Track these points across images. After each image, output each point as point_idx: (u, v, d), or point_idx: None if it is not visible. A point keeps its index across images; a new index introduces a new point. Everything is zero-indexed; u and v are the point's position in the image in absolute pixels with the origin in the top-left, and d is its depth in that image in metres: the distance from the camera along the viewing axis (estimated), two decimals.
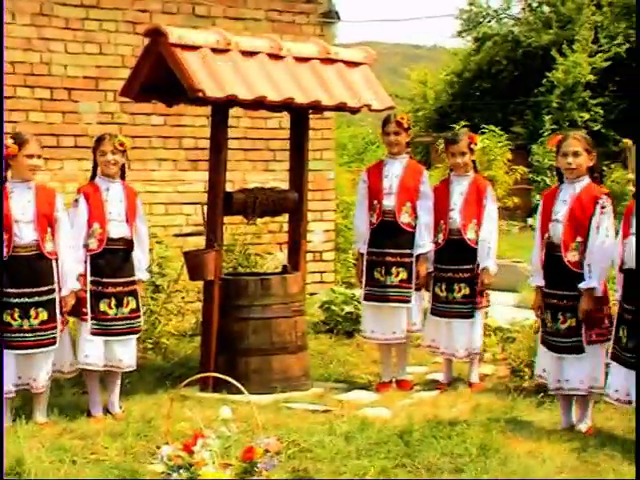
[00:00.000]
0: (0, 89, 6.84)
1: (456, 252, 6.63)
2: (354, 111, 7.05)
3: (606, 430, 5.60)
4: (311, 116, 7.10)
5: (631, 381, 5.31)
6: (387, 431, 5.35)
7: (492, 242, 6.67)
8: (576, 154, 5.64)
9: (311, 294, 8.76)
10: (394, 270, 6.66)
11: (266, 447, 3.95)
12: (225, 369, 6.07)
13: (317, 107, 6.81)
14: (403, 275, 6.67)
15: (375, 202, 6.70)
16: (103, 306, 5.90)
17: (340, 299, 8.54)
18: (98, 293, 5.90)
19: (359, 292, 8.15)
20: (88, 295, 5.87)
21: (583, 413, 5.70)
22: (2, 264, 5.50)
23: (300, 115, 6.95)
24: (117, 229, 5.95)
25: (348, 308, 8.40)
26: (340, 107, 6.92)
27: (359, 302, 8.11)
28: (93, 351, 5.88)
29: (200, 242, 6.91)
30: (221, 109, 6.57)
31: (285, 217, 7.25)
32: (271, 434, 4.65)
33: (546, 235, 5.71)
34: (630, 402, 5.38)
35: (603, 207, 5.59)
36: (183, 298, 7.90)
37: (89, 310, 5.87)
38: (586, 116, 23.73)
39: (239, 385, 4.14)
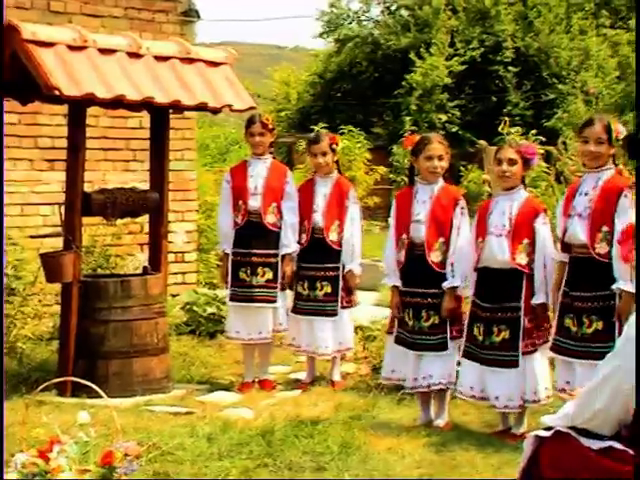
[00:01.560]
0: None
1: (319, 252, 6.69)
2: (215, 111, 7.02)
3: (462, 424, 5.76)
4: (172, 116, 7.04)
5: (488, 378, 5.46)
6: (249, 431, 5.35)
7: (356, 244, 6.77)
8: (441, 158, 5.78)
9: (173, 295, 8.68)
10: (260, 270, 6.68)
11: (125, 451, 3.89)
12: (84, 373, 5.95)
13: (177, 107, 6.76)
14: (269, 275, 6.69)
15: (240, 202, 6.70)
16: None
17: (203, 300, 8.49)
18: None
19: (222, 293, 8.15)
20: None
21: (441, 408, 5.83)
22: None
23: (160, 115, 6.87)
24: None
25: (211, 309, 8.35)
26: (201, 107, 6.88)
27: (222, 303, 8.11)
28: None
29: (58, 244, 6.75)
30: (78, 108, 6.43)
31: (146, 218, 7.16)
32: (131, 438, 4.58)
33: (405, 235, 5.82)
34: (485, 398, 5.53)
35: (462, 207, 5.76)
36: (40, 301, 7.69)
37: None
38: (444, 118, 24.33)
39: (98, 389, 4.07)
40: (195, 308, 8.40)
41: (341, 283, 6.71)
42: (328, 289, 6.70)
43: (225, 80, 6.97)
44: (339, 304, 6.71)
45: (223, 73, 7.00)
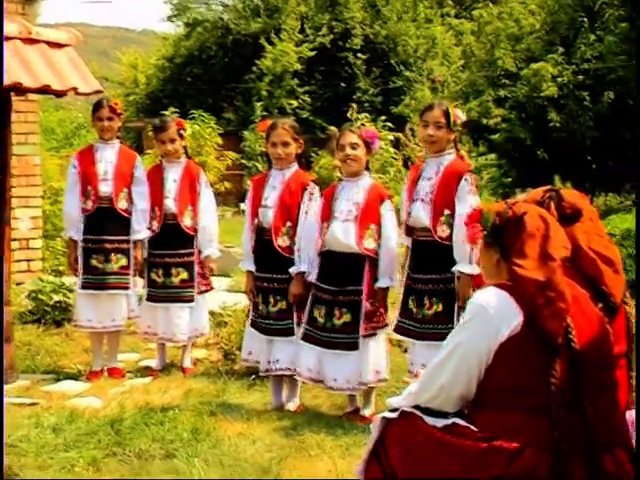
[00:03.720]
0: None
1: (172, 238, 6.66)
2: (59, 94, 6.83)
3: (313, 408, 5.82)
4: (14, 98, 6.81)
5: (326, 360, 5.51)
6: (97, 421, 5.24)
7: (213, 229, 6.77)
8: (285, 144, 5.79)
9: (18, 284, 8.43)
10: (113, 257, 6.58)
11: None
12: None
13: (19, 89, 6.53)
14: (123, 262, 6.60)
15: (89, 188, 6.57)
16: None
17: (49, 288, 8.27)
18: None
19: (69, 280, 7.97)
20: None
21: (292, 392, 5.87)
22: None
23: (1, 97, 6.64)
24: None
25: (57, 297, 8.15)
26: (44, 89, 6.67)
27: (69, 290, 7.93)
28: None
29: None
30: None
31: None
32: None
33: (256, 220, 5.83)
34: (321, 381, 5.59)
35: (311, 193, 5.79)
36: None
37: None
38: (295, 103, 24.43)
39: None
40: (41, 296, 8.18)
41: (197, 268, 6.69)
42: (184, 275, 6.67)
43: (69, 62, 6.78)
44: (196, 290, 6.69)
45: (67, 55, 6.81)
